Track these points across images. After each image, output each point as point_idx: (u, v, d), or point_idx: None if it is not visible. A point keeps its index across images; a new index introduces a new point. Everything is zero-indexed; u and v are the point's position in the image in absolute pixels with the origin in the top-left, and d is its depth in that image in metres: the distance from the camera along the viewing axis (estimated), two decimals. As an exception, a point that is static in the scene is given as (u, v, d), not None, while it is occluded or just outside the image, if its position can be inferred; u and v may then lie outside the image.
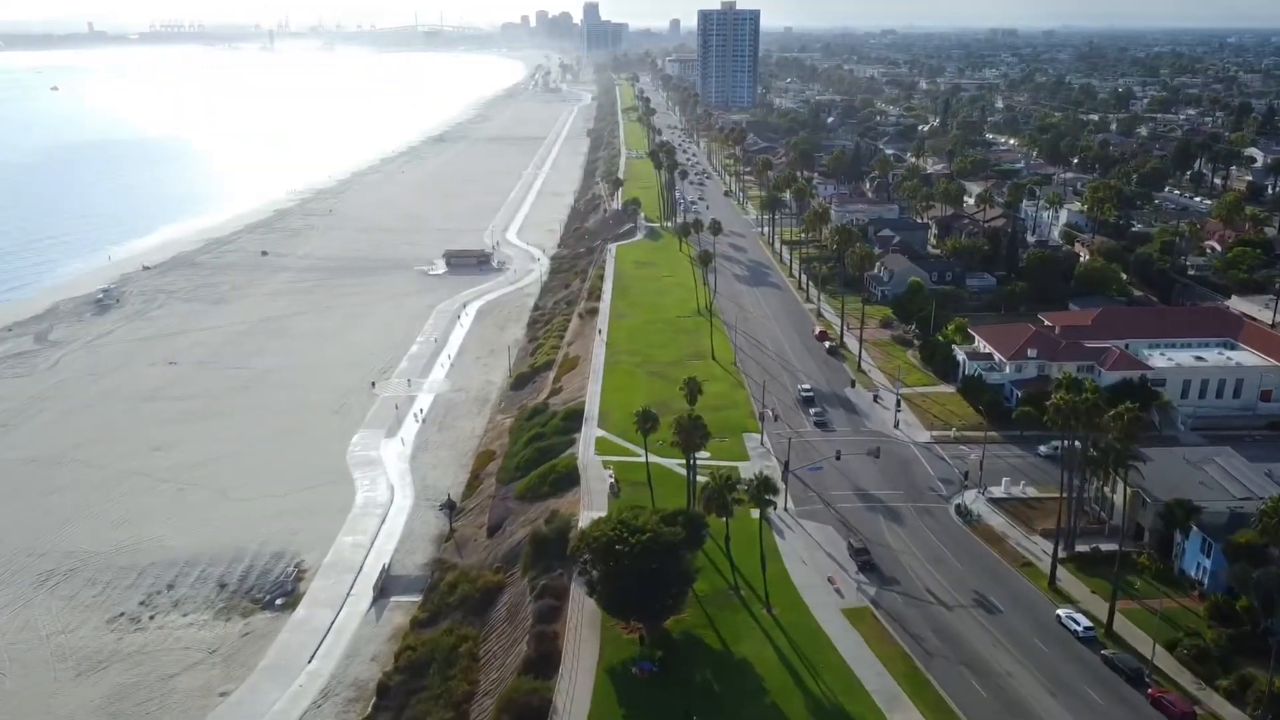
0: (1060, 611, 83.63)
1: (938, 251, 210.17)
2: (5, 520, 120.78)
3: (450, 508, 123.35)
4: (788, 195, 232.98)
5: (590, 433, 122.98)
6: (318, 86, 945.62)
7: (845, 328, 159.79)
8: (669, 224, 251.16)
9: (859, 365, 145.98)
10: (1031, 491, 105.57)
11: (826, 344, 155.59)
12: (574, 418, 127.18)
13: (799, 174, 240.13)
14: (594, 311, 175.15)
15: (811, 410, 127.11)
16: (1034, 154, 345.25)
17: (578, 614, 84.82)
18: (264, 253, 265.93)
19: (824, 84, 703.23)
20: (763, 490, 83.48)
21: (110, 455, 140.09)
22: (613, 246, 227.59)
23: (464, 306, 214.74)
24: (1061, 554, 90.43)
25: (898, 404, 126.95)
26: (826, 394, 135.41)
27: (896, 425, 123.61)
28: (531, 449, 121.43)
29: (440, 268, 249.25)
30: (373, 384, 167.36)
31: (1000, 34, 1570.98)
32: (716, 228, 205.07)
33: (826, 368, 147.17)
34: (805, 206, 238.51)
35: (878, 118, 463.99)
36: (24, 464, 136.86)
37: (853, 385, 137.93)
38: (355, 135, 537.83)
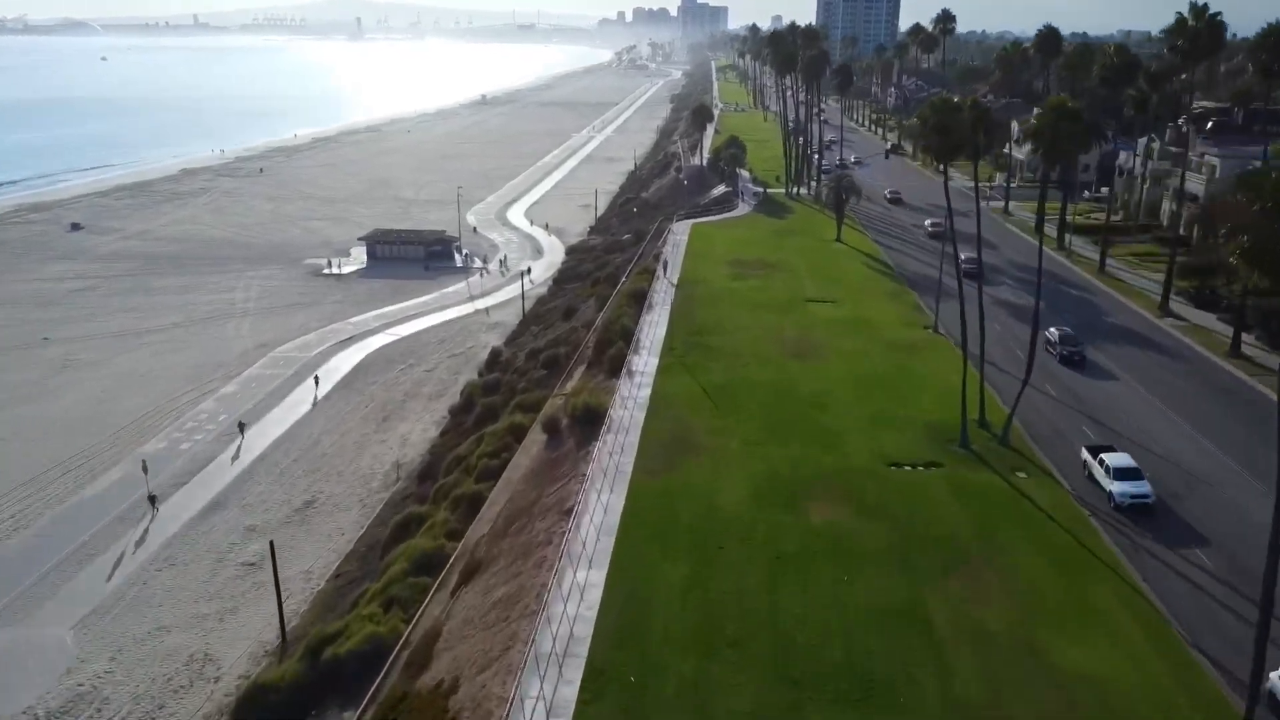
0: None
1: None
2: None
3: None
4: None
5: None
6: (380, 69, 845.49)
7: None
8: (803, 190, 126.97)
9: None
10: None
11: None
12: None
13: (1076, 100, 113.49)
14: (594, 418, 50.89)
15: None
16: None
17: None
18: (75, 226, 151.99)
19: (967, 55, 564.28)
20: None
21: None
22: (681, 227, 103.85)
23: (341, 351, 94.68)
24: None
25: None
26: None
27: None
28: None
29: (355, 261, 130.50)
30: None
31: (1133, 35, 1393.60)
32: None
33: None
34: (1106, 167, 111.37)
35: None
36: None
37: None
38: (382, 101, 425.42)
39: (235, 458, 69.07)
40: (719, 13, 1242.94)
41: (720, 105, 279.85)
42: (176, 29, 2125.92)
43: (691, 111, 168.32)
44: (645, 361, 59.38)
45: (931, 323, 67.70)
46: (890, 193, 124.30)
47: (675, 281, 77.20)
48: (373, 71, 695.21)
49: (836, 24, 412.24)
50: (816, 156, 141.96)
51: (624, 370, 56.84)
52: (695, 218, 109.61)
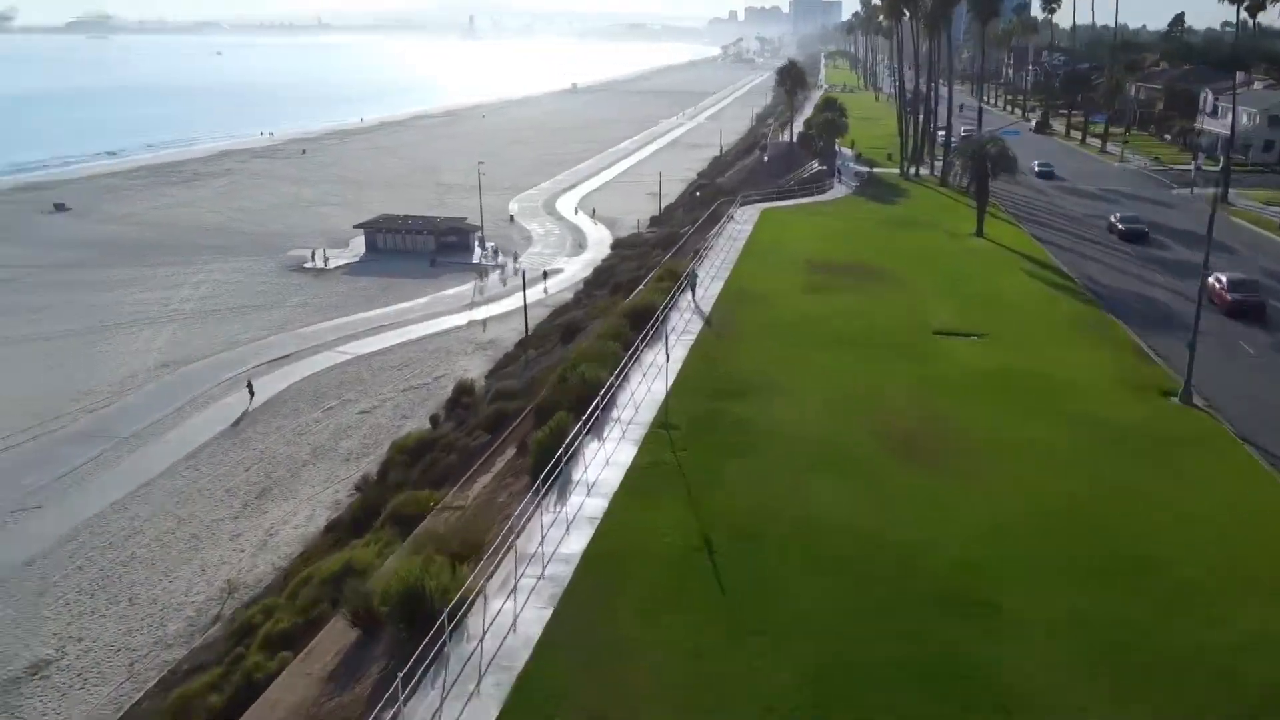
0: None
1: None
2: None
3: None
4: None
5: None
6: (482, 63, 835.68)
7: None
8: (924, 170, 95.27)
9: None
10: None
11: None
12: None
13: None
14: (426, 620, 22.05)
15: None
16: None
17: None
18: (59, 206, 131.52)
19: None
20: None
21: None
22: (746, 214, 73.48)
23: (264, 375, 68.31)
24: None
25: None
26: None
27: None
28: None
29: (349, 253, 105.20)
30: None
31: None
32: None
33: None
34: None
35: None
36: None
37: None
38: (470, 89, 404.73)
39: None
40: (831, 7, 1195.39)
41: (825, 86, 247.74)
42: (300, 29, 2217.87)
43: (778, 73, 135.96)
44: (608, 455, 29.87)
45: (1179, 389, 35.97)
46: (1040, 165, 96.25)
47: (707, 312, 46.86)
48: (473, 64, 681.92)
49: None
50: (942, 132, 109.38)
51: (553, 478, 27.49)
52: (770, 201, 79.05)
